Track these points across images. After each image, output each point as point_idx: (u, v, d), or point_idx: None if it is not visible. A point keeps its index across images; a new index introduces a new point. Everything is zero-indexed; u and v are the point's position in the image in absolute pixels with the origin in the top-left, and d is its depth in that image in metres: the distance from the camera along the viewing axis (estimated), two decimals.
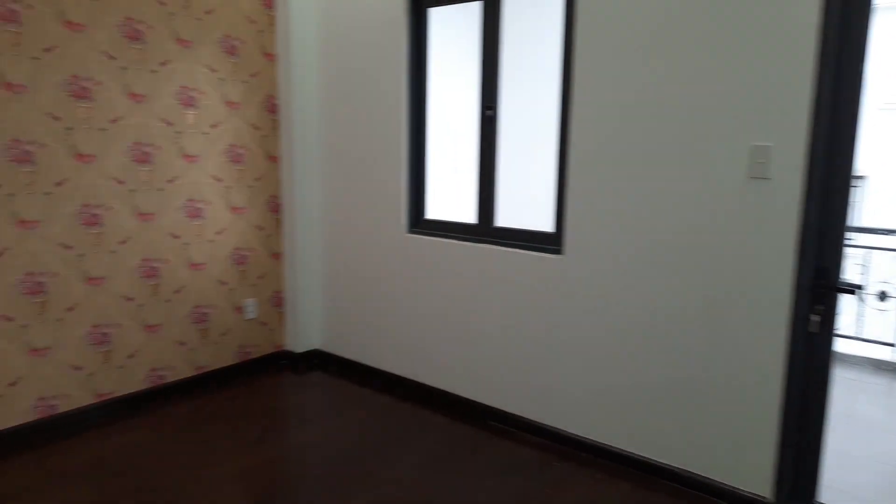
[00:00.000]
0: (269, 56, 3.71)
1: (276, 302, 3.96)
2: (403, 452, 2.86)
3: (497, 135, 3.10)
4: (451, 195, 3.50)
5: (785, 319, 2.29)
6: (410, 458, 2.81)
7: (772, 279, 2.30)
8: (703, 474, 2.55)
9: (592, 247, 2.74)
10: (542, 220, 2.99)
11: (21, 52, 2.71)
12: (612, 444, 2.78)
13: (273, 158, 3.81)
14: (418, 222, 3.49)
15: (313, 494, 2.54)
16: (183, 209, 3.40)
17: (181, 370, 3.50)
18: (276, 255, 3.92)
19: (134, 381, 3.30)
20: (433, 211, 3.49)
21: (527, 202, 3.19)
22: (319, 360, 4.03)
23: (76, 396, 3.08)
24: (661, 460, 2.65)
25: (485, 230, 3.19)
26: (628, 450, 2.74)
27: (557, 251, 2.88)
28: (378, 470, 2.70)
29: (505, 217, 3.17)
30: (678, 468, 2.61)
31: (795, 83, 2.19)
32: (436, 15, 3.31)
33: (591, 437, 2.85)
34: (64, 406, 3.03)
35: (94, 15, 2.93)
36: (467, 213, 3.27)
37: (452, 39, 3.35)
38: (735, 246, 2.37)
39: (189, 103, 3.35)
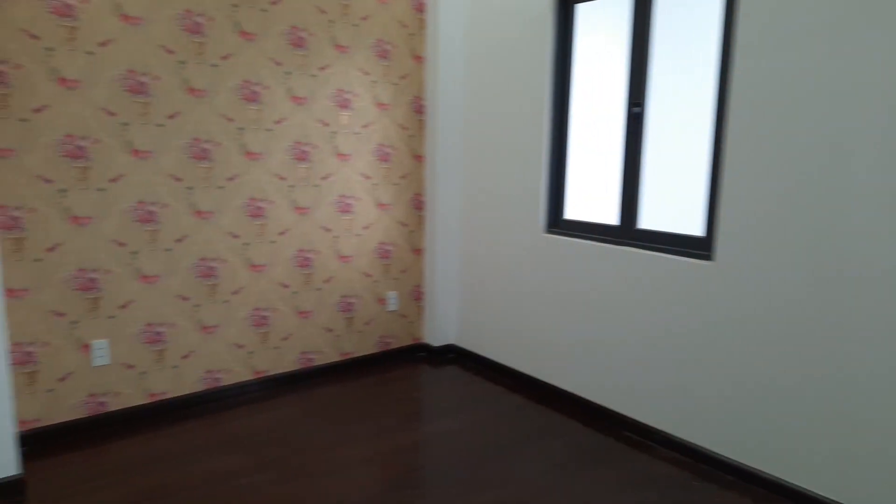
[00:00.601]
0: (418, 58, 3.85)
1: (416, 296, 4.10)
2: (533, 454, 2.83)
3: (644, 133, 2.96)
4: (591, 195, 3.40)
5: None
6: (539, 461, 2.77)
7: None
8: None
9: (749, 255, 2.52)
10: (688, 223, 2.81)
11: (203, 61, 3.05)
12: (762, 469, 2.55)
13: (418, 157, 3.95)
14: (557, 222, 3.44)
15: (440, 485, 2.59)
16: (335, 204, 3.62)
17: (328, 355, 3.74)
18: (418, 251, 4.06)
19: (286, 362, 3.58)
20: (572, 211, 3.41)
21: (672, 203, 3.02)
22: (455, 355, 4.11)
23: (237, 372, 3.40)
24: (821, 493, 2.38)
25: (627, 232, 3.06)
26: (782, 477, 2.49)
27: (707, 257, 2.69)
28: (506, 469, 2.70)
29: (648, 219, 3.02)
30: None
31: None
32: (583, 9, 3.24)
33: (737, 459, 2.63)
34: (227, 380, 3.37)
35: (265, 25, 3.21)
36: (608, 214, 3.16)
37: (599, 33, 3.25)
38: None
39: (344, 105, 3.57)
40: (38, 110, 2.64)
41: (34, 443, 2.77)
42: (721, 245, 2.61)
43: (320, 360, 3.71)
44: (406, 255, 4.01)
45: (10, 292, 2.66)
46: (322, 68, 3.45)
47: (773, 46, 2.38)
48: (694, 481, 2.62)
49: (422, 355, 4.12)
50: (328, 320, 3.71)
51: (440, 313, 4.05)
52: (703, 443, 2.75)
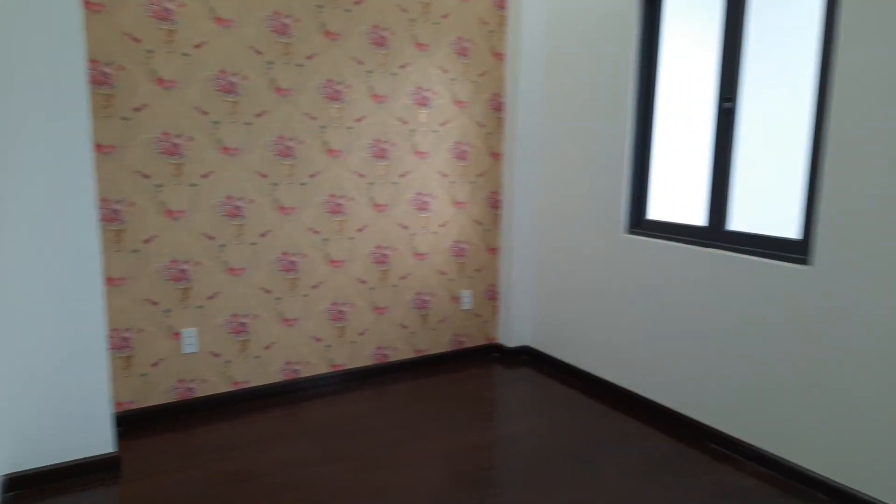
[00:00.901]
0: (498, 55, 3.82)
1: (491, 295, 4.07)
2: (610, 460, 2.74)
3: (735, 129, 2.81)
4: (676, 194, 3.26)
5: None
6: (615, 467, 2.68)
7: None
8: None
9: (852, 259, 2.34)
10: (782, 224, 2.65)
11: (290, 61, 3.14)
12: (859, 489, 2.35)
13: (495, 155, 3.92)
14: (639, 222, 3.32)
15: (512, 486, 2.55)
16: (412, 202, 3.65)
17: (402, 351, 3.78)
18: (493, 250, 4.03)
19: (362, 357, 3.63)
20: (656, 211, 3.29)
21: (765, 204, 2.85)
22: (529, 357, 4.06)
23: (315, 364, 3.48)
24: None
25: (715, 234, 2.92)
26: (882, 499, 2.30)
27: (803, 261, 2.52)
28: (582, 474, 2.63)
29: (738, 220, 2.86)
30: None
31: None
32: (671, 1, 3.11)
33: (831, 478, 2.45)
34: (305, 372, 3.45)
35: (348, 25, 3.28)
36: (694, 214, 3.02)
37: (687, 24, 3.12)
38: None
39: (423, 103, 3.59)
40: (138, 109, 2.80)
41: (127, 423, 2.93)
42: (820, 248, 2.44)
43: (395, 356, 3.75)
44: (481, 254, 3.99)
45: (110, 280, 2.84)
46: (402, 66, 3.48)
47: (883, 34, 2.20)
48: (782, 498, 2.46)
49: (495, 356, 4.09)
50: (403, 317, 3.75)
51: (515, 313, 4.01)
52: (795, 458, 2.58)
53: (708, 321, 2.90)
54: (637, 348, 3.29)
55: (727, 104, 2.82)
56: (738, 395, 2.79)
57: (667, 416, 3.12)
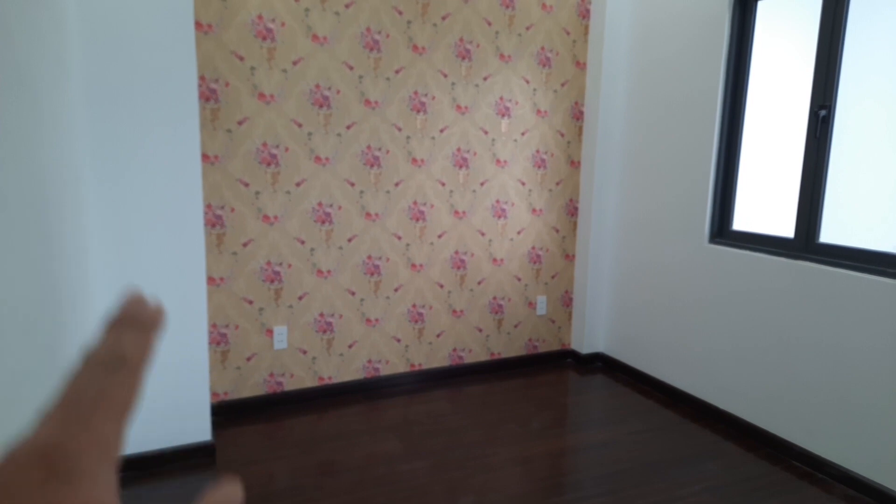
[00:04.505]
0: (580, 65, 3.84)
1: (566, 302, 4.09)
2: (687, 474, 2.73)
3: (830, 138, 2.74)
4: (761, 203, 3.20)
5: None
6: (695, 482, 2.67)
7: None
8: None
9: None
10: (883, 238, 2.56)
11: (379, 74, 3.28)
12: None
13: (574, 163, 3.94)
14: (722, 232, 3.27)
15: (591, 495, 2.58)
16: (491, 209, 3.73)
17: (477, 354, 3.86)
18: (569, 257, 4.05)
19: (439, 358, 3.74)
20: (740, 221, 3.23)
21: (862, 216, 2.76)
22: (603, 364, 4.06)
23: (394, 363, 3.62)
24: None
25: (804, 246, 2.85)
26: None
27: None
28: (660, 488, 2.63)
29: (831, 232, 2.78)
30: None
31: None
32: (763, 6, 3.05)
33: None
34: (385, 370, 3.59)
35: (435, 39, 3.39)
36: (781, 225, 2.96)
37: (779, 30, 3.05)
38: None
39: (504, 113, 3.66)
40: (240, 122, 3.00)
41: (222, 413, 3.14)
42: None
43: (470, 358, 3.84)
44: (557, 261, 4.02)
45: (211, 280, 3.05)
46: (485, 78, 3.57)
47: None
48: None
49: (568, 361, 4.11)
50: (479, 320, 3.83)
51: (589, 320, 4.02)
52: (889, 483, 2.49)
53: (795, 336, 2.83)
54: (718, 360, 3.24)
55: (822, 111, 2.75)
56: (827, 414, 2.72)
57: (749, 431, 3.07)
